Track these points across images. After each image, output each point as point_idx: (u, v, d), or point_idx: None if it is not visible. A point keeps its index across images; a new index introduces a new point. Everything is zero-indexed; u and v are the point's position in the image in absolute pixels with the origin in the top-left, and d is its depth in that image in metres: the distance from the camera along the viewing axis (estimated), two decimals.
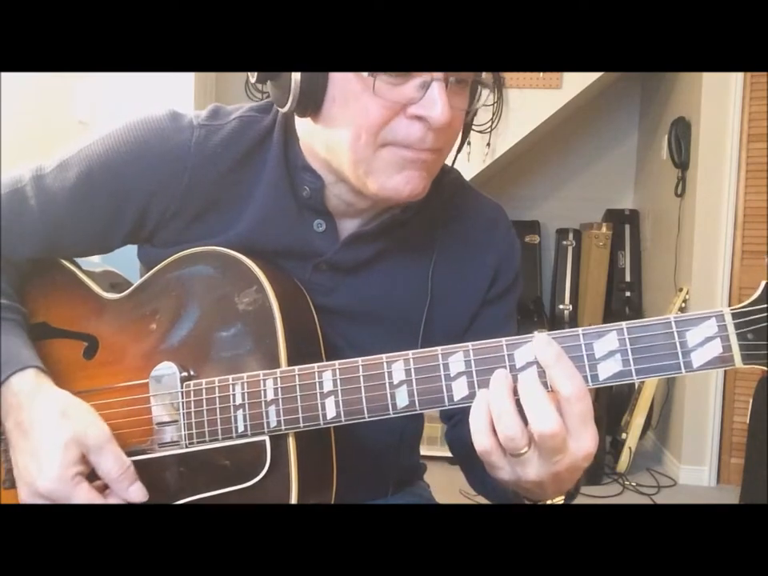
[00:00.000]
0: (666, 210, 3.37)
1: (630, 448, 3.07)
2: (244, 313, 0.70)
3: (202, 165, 0.75)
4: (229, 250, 0.73)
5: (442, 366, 0.63)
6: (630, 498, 2.85)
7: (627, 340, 0.60)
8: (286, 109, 0.69)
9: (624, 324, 0.60)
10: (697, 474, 3.02)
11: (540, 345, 0.60)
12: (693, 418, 3.02)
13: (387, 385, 0.64)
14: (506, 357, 0.62)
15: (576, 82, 3.06)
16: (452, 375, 0.63)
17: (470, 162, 2.96)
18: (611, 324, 0.61)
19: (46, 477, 0.66)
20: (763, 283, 0.58)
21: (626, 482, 2.96)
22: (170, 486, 0.71)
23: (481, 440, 0.60)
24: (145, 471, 0.71)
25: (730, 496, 2.80)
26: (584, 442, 0.59)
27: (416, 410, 0.64)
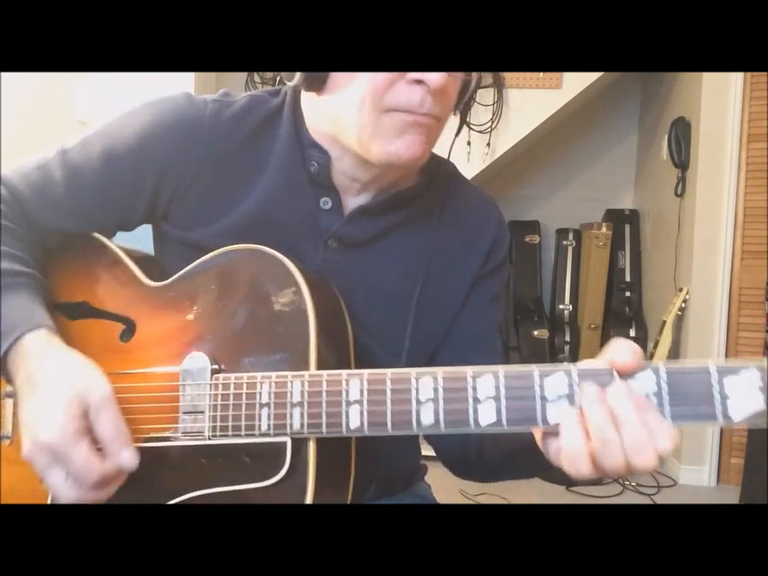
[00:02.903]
0: (666, 210, 3.37)
1: None
2: (279, 313, 0.71)
3: (215, 137, 0.79)
4: (271, 250, 0.74)
5: (470, 389, 0.62)
6: (630, 498, 2.84)
7: (665, 384, 0.58)
8: (294, 81, 0.74)
9: (660, 365, 0.58)
10: (697, 474, 3.02)
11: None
12: None
13: (414, 401, 0.63)
14: (536, 386, 0.60)
15: (576, 82, 3.05)
16: (480, 399, 0.61)
17: (469, 162, 2.95)
18: (647, 362, 0.58)
19: (48, 428, 0.66)
20: None
21: (626, 482, 2.95)
22: (188, 476, 0.71)
23: (578, 457, 0.59)
24: (166, 458, 0.72)
25: (730, 496, 2.80)
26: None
27: (440, 431, 0.62)
